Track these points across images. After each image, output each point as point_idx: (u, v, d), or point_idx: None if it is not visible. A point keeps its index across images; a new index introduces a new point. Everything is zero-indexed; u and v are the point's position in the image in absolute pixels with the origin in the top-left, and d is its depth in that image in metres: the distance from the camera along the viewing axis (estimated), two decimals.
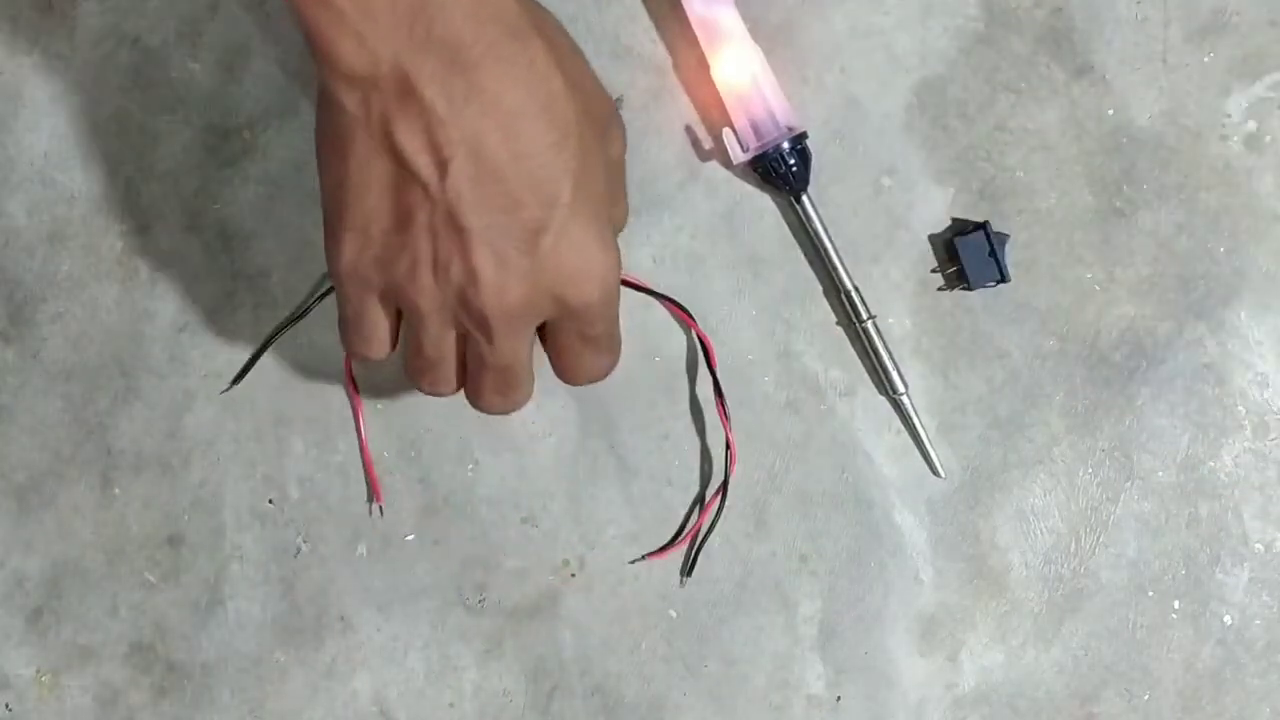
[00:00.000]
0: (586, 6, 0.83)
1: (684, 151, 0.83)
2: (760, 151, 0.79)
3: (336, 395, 0.83)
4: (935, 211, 0.83)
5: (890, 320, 0.82)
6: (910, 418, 0.81)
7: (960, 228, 0.82)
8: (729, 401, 0.81)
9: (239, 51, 0.84)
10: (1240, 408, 0.82)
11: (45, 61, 0.85)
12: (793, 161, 0.78)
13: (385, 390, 0.83)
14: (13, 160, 0.84)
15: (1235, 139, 0.82)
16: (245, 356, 0.83)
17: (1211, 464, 0.82)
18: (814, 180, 0.80)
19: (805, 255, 0.83)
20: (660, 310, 0.83)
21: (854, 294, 0.80)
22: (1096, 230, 0.82)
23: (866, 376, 0.83)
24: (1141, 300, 0.82)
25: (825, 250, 0.80)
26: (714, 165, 0.83)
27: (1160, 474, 0.82)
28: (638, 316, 0.83)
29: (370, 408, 0.83)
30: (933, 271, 0.83)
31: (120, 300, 0.84)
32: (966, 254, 0.80)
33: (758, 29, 0.81)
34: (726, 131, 0.80)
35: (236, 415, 0.83)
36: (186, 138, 0.84)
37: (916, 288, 0.83)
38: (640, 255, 0.83)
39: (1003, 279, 0.80)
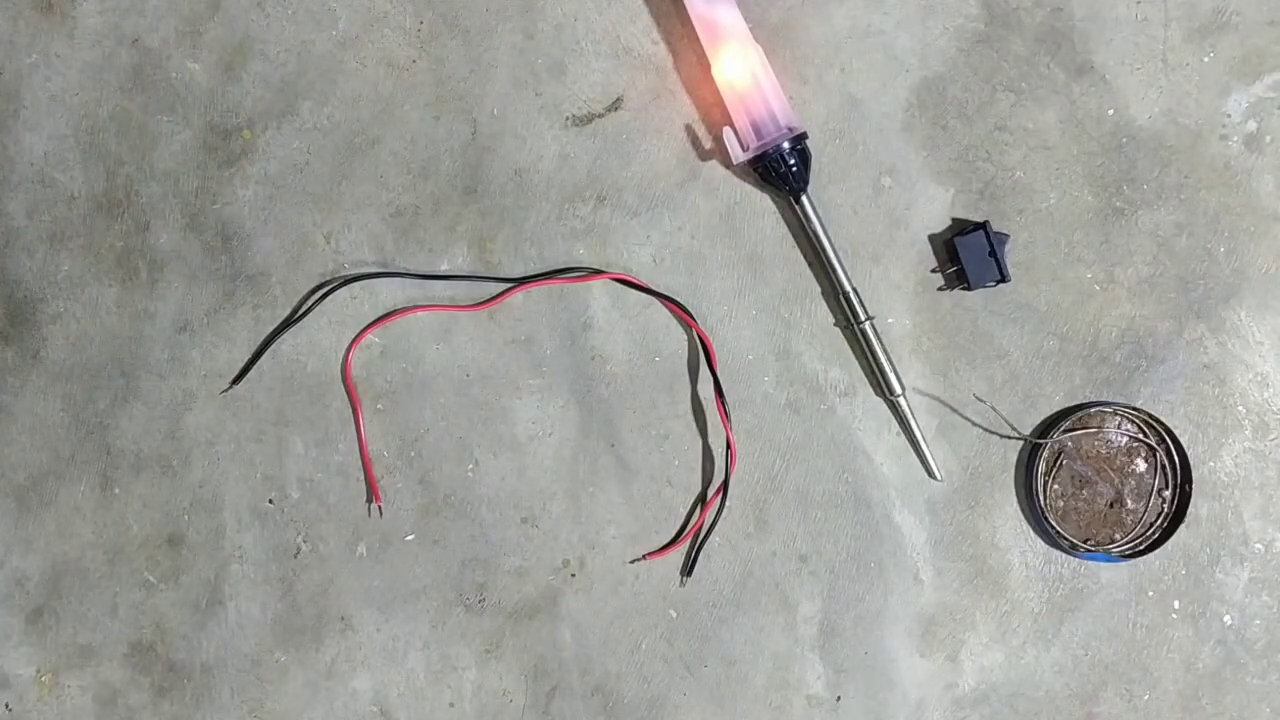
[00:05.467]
0: (586, 6, 0.83)
1: (684, 151, 0.83)
2: (760, 151, 0.79)
3: (336, 395, 0.83)
4: (935, 211, 0.83)
5: (890, 320, 0.82)
6: (907, 420, 0.81)
7: (960, 228, 0.82)
8: (729, 401, 0.81)
9: (239, 51, 0.84)
10: (1240, 408, 0.82)
11: (45, 61, 0.85)
12: (793, 161, 0.78)
13: (385, 390, 0.83)
14: (13, 160, 0.84)
15: (1235, 139, 0.82)
16: (245, 356, 0.83)
17: (1211, 464, 0.82)
18: (814, 180, 0.80)
19: (805, 255, 0.83)
20: (660, 310, 0.83)
21: (852, 296, 0.80)
22: (1096, 230, 0.82)
23: (866, 376, 0.83)
24: (1141, 300, 0.82)
25: (824, 251, 0.80)
26: (714, 165, 0.83)
27: None
28: (638, 317, 0.83)
29: (370, 408, 0.83)
30: (933, 271, 0.83)
31: (120, 300, 0.84)
32: (966, 254, 0.80)
33: (758, 28, 0.81)
34: (727, 130, 0.80)
35: (236, 415, 0.83)
36: (186, 138, 0.84)
37: (916, 288, 0.83)
38: (640, 255, 0.83)
39: (1003, 279, 0.80)
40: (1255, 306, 0.81)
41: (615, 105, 0.83)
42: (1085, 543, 0.80)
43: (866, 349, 0.81)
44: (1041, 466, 0.80)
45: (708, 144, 0.83)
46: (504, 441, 0.83)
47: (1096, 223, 0.82)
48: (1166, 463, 0.80)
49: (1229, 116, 0.82)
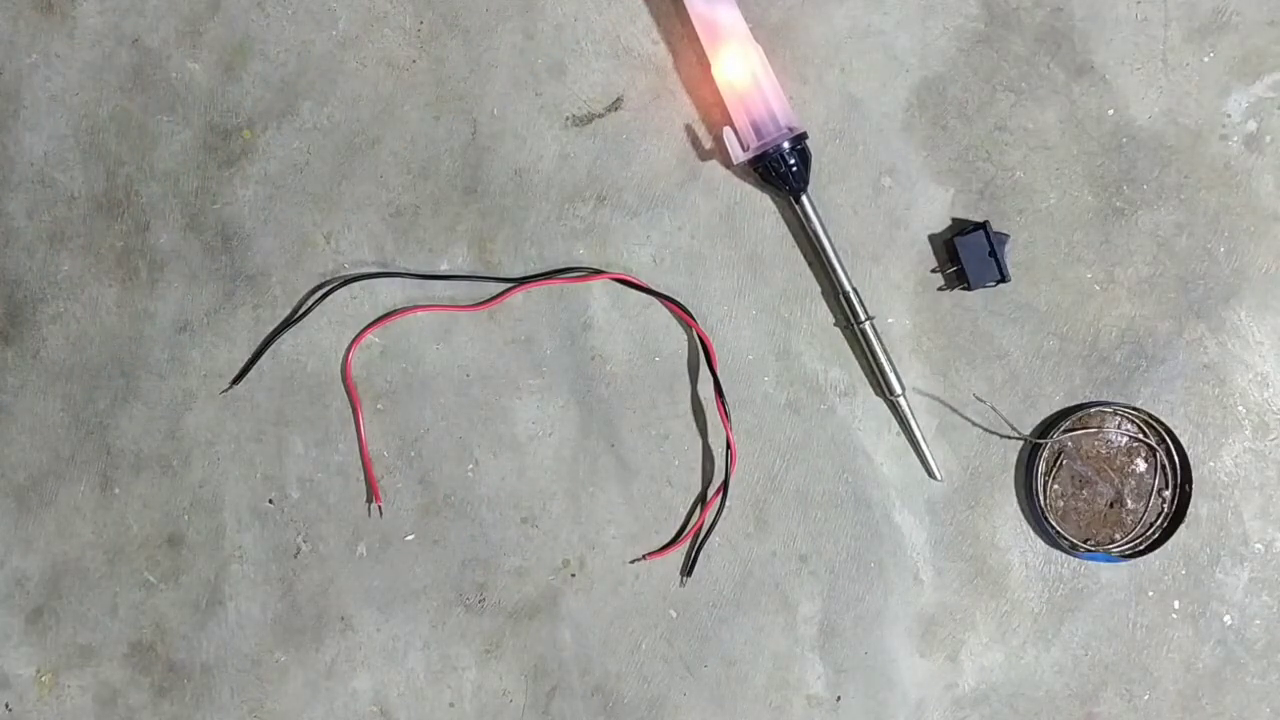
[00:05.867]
0: (586, 6, 0.83)
1: (684, 151, 0.83)
2: (760, 151, 0.78)
3: (336, 395, 0.83)
4: (935, 211, 0.83)
5: (890, 320, 0.82)
6: (907, 420, 0.81)
7: (960, 228, 0.82)
8: (729, 401, 0.81)
9: (239, 51, 0.84)
10: (1240, 408, 0.82)
11: (45, 61, 0.85)
12: (793, 161, 0.78)
13: (385, 390, 0.83)
14: (13, 160, 0.84)
15: (1235, 139, 0.82)
16: (245, 356, 0.83)
17: (1211, 464, 0.82)
18: (814, 180, 0.80)
19: (805, 255, 0.83)
20: (660, 310, 0.83)
21: (852, 295, 0.80)
22: (1096, 230, 0.82)
23: (866, 376, 0.83)
24: (1141, 300, 0.82)
25: (824, 251, 0.80)
26: (714, 165, 0.83)
27: None
28: (638, 317, 0.83)
29: (370, 408, 0.83)
30: (933, 271, 0.83)
31: (120, 300, 0.84)
32: (966, 254, 0.80)
33: (758, 28, 0.81)
34: (727, 130, 0.80)
35: (236, 415, 0.83)
36: (186, 138, 0.84)
37: (916, 288, 0.83)
38: (640, 255, 0.83)
39: (1003, 279, 0.80)
40: (1255, 306, 0.82)
41: (615, 105, 0.83)
42: (1085, 543, 0.80)
43: (866, 349, 0.81)
44: (1041, 466, 0.80)
45: (708, 144, 0.83)
46: (504, 441, 0.83)
47: (1096, 223, 0.82)
48: (1166, 463, 0.80)
49: (1229, 116, 0.82)
